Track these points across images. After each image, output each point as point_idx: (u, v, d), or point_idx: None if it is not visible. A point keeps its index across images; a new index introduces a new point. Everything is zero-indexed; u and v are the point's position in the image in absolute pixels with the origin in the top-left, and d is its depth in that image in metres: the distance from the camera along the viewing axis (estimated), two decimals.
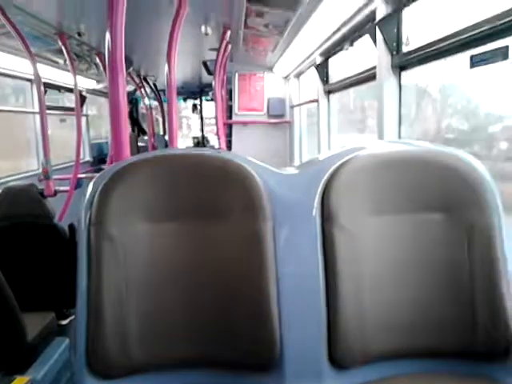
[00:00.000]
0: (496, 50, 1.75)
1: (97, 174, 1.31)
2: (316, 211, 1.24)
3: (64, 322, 2.25)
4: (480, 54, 1.86)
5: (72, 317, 1.23)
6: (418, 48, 2.42)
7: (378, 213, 1.24)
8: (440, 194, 1.25)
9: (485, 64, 1.84)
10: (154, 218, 1.23)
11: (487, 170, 1.28)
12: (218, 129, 5.65)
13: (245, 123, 6.86)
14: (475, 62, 1.89)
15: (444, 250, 1.24)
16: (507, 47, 1.70)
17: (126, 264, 1.19)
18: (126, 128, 1.89)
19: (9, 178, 4.59)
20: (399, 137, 2.76)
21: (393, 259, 1.24)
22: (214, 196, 1.24)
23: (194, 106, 11.29)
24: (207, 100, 10.74)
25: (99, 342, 1.17)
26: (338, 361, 1.19)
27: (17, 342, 1.80)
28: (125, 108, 1.90)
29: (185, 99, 11.11)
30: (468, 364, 1.22)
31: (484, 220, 1.22)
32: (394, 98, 2.74)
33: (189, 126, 12.55)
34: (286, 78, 6.84)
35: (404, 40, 2.68)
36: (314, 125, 5.45)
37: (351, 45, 3.68)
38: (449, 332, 1.22)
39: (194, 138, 11.47)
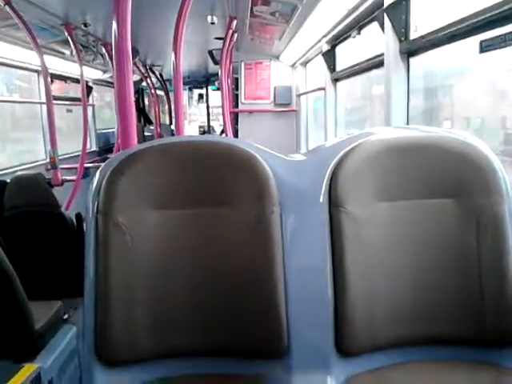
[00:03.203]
0: (506, 34, 1.73)
1: (103, 164, 1.31)
2: (323, 197, 1.23)
3: (71, 311, 2.26)
4: (490, 39, 1.84)
5: (79, 305, 1.23)
6: (427, 34, 2.39)
7: (386, 199, 1.23)
8: (449, 180, 1.24)
9: (494, 49, 1.81)
10: (161, 206, 1.23)
11: (496, 156, 1.27)
12: (224, 117, 5.64)
13: (251, 112, 6.84)
14: (485, 46, 1.86)
15: (453, 236, 1.23)
16: None
17: (133, 252, 1.20)
18: (133, 117, 1.89)
19: (17, 168, 4.62)
20: (407, 123, 2.74)
21: (401, 245, 1.23)
22: (221, 183, 1.24)
23: (200, 95, 11.30)
24: (213, 89, 10.73)
25: (107, 330, 1.17)
26: (344, 349, 1.19)
27: (25, 331, 1.82)
28: (131, 98, 1.90)
29: (190, 89, 11.11)
30: (476, 351, 1.22)
31: (493, 206, 1.21)
32: (402, 84, 2.72)
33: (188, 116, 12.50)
34: (293, 66, 6.79)
35: (412, 27, 2.65)
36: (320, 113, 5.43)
37: (359, 33, 3.64)
38: (457, 319, 1.21)
39: (200, 127, 11.48)
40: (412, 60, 2.70)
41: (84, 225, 2.59)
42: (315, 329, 1.20)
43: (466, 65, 2.46)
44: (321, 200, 1.23)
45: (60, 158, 4.66)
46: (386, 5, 2.71)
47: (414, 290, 1.22)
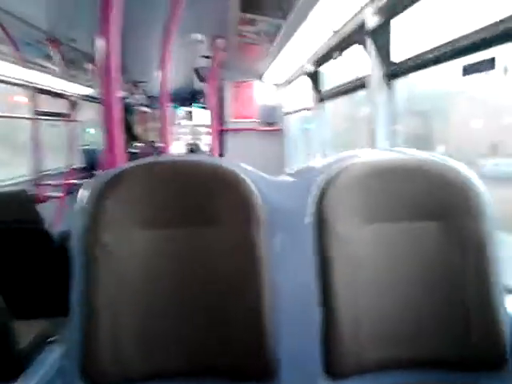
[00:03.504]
0: (484, 60, 1.79)
1: (89, 180, 1.30)
2: (310, 218, 1.24)
3: (58, 330, 2.23)
4: (471, 64, 1.90)
5: (66, 325, 1.22)
6: (409, 58, 2.45)
7: (372, 221, 1.25)
8: (433, 203, 1.25)
9: (476, 72, 1.88)
10: (146, 225, 1.23)
11: (479, 179, 1.29)
12: (212, 136, 5.64)
13: (237, 130, 6.87)
14: (467, 70, 1.93)
15: (438, 258, 1.24)
16: (493, 58, 1.74)
17: (119, 271, 1.19)
18: (120, 134, 1.89)
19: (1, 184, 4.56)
20: (391, 145, 2.78)
21: (387, 267, 1.24)
22: (207, 202, 1.24)
23: (189, 112, 11.32)
24: (198, 107, 10.75)
25: (93, 349, 1.16)
26: (333, 371, 1.18)
27: (8, 350, 1.78)
28: (118, 114, 1.90)
29: (176, 107, 11.12)
30: (463, 374, 1.22)
31: (477, 228, 1.23)
32: (387, 106, 2.76)
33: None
34: (278, 85, 6.86)
35: (395, 49, 2.71)
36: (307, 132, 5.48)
37: (340, 54, 3.71)
38: (443, 342, 1.22)
39: (187, 144, 11.47)
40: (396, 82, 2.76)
41: (69, 242, 2.55)
42: (303, 349, 1.20)
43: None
44: (307, 221, 1.24)
45: (46, 173, 4.63)
46: (368, 27, 2.77)
47: (400, 312, 1.23)
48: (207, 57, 5.06)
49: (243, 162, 1.33)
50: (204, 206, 1.25)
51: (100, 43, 1.83)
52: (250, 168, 1.31)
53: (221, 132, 6.91)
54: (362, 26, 2.89)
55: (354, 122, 4.33)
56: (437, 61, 2.18)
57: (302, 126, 6.17)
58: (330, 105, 4.70)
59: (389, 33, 2.70)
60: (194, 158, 1.35)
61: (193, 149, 10.96)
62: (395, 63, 2.63)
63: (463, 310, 1.21)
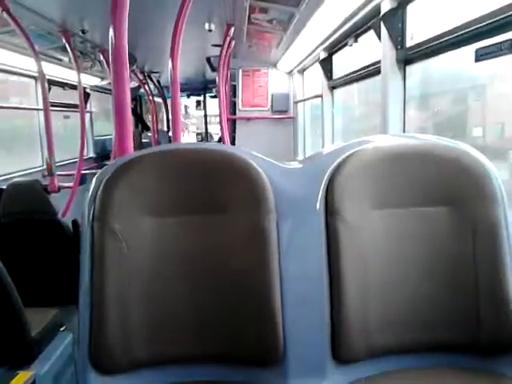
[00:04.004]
0: (501, 43, 1.74)
1: (100, 171, 1.30)
2: (320, 205, 1.23)
3: (68, 318, 2.25)
4: (485, 47, 1.85)
5: (76, 313, 1.23)
6: (423, 42, 2.41)
7: (383, 206, 1.24)
8: (445, 188, 1.24)
9: (490, 58, 1.83)
10: (157, 213, 1.23)
11: (491, 163, 1.27)
12: (221, 124, 5.65)
13: (248, 119, 6.86)
14: (480, 55, 1.87)
15: (449, 243, 1.23)
16: None
17: (129, 259, 1.19)
18: (130, 124, 1.89)
19: (14, 174, 4.61)
20: (403, 131, 2.75)
21: (397, 253, 1.23)
22: (217, 190, 1.24)
23: (198, 102, 11.33)
24: (211, 97, 10.76)
25: (102, 337, 1.17)
26: (341, 356, 1.19)
27: (20, 338, 1.81)
28: (128, 104, 1.90)
29: (188, 96, 11.14)
30: (473, 358, 1.22)
31: (489, 214, 1.22)
32: (399, 92, 2.73)
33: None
34: (290, 73, 6.82)
35: (408, 35, 2.67)
36: (317, 120, 5.44)
37: (356, 41, 3.66)
38: (453, 326, 1.21)
39: (197, 134, 11.50)
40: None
41: (80, 231, 2.57)
42: (311, 336, 1.20)
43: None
44: (317, 207, 1.23)
45: (58, 164, 4.67)
46: (382, 13, 2.73)
47: (410, 297, 1.22)
48: (219, 45, 5.03)
49: (254, 150, 1.32)
50: (214, 193, 1.24)
51: (111, 33, 1.82)
52: (260, 155, 1.30)
53: (232, 120, 6.91)
54: (376, 11, 2.85)
55: (369, 108, 4.19)
56: (457, 44, 2.13)
57: (314, 114, 6.12)
58: (343, 91, 4.65)
59: (404, 18, 2.66)
60: (203, 145, 1.34)
61: (203, 138, 10.99)
62: (410, 48, 2.59)
63: (474, 294, 1.20)
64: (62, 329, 2.17)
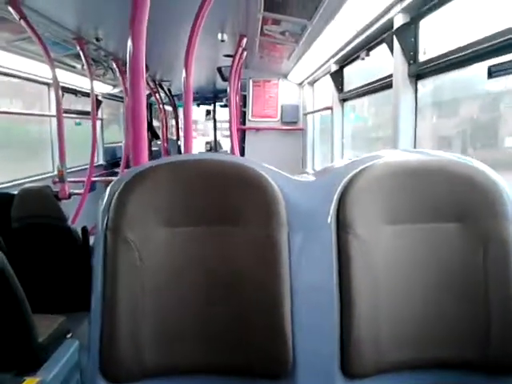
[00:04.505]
0: None
1: (111, 178, 1.31)
2: (331, 219, 1.23)
3: (75, 325, 2.26)
4: (497, 64, 1.85)
5: (83, 320, 1.23)
6: (435, 57, 2.41)
7: (394, 222, 1.23)
8: (456, 204, 1.24)
9: (503, 75, 1.82)
10: (170, 224, 1.24)
11: (503, 180, 1.27)
12: (231, 134, 5.67)
13: (258, 129, 6.88)
14: (493, 72, 1.87)
15: (459, 260, 1.22)
16: None
17: (141, 269, 1.20)
18: (145, 133, 1.91)
19: (25, 180, 4.65)
20: (414, 146, 2.75)
21: (408, 269, 1.23)
22: (229, 202, 1.24)
23: (208, 111, 11.38)
24: (221, 106, 10.81)
25: (113, 346, 1.17)
26: (350, 372, 1.18)
27: (27, 344, 1.81)
28: (144, 114, 1.91)
29: (198, 105, 11.19)
30: (482, 377, 1.20)
31: (500, 231, 1.21)
32: (410, 107, 2.73)
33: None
34: (300, 85, 6.85)
35: (421, 50, 2.67)
36: (327, 132, 5.44)
37: (367, 54, 3.67)
38: (463, 343, 1.20)
39: (206, 143, 11.54)
40: None
41: (90, 239, 2.59)
42: (320, 349, 1.19)
43: None
44: (329, 221, 1.23)
45: (69, 171, 4.70)
46: (395, 27, 2.74)
47: (420, 314, 1.22)
48: (230, 56, 5.07)
49: (263, 161, 1.32)
50: (226, 204, 1.25)
51: (129, 44, 1.84)
52: (271, 167, 1.31)
53: (242, 131, 6.93)
54: (389, 25, 2.86)
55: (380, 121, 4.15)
56: (470, 61, 2.13)
57: (323, 126, 6.13)
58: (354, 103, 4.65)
59: (417, 32, 2.66)
60: (216, 156, 1.35)
61: (212, 147, 11.02)
62: (422, 63, 2.59)
63: (484, 312, 1.19)
64: (68, 336, 2.17)
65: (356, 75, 4.26)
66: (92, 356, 1.19)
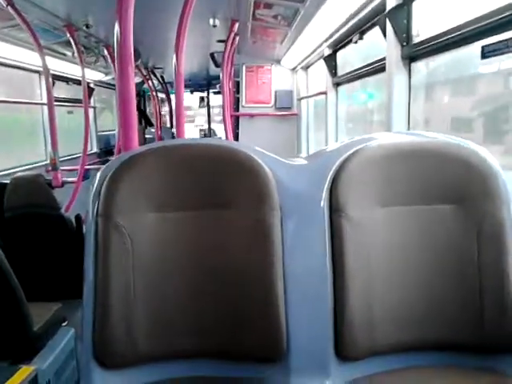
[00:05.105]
0: (508, 40, 1.72)
1: (104, 166, 1.30)
2: (324, 202, 1.23)
3: (70, 313, 2.25)
4: (491, 44, 1.83)
5: (78, 307, 1.23)
6: (429, 39, 2.39)
7: (387, 204, 1.23)
8: (450, 186, 1.24)
9: (497, 55, 1.81)
10: (161, 208, 1.23)
11: (497, 162, 1.26)
12: (224, 121, 5.65)
13: (252, 115, 6.85)
14: (487, 52, 1.85)
15: (453, 242, 1.23)
16: None
17: (133, 254, 1.19)
18: (135, 120, 1.89)
19: (17, 169, 4.62)
20: (408, 129, 2.74)
21: (401, 251, 1.23)
22: (221, 186, 1.24)
23: (201, 98, 11.31)
24: (215, 93, 10.75)
25: (106, 331, 1.17)
26: (344, 353, 1.19)
27: (23, 332, 1.81)
28: (133, 100, 1.89)
29: (192, 92, 11.12)
30: (476, 357, 1.21)
31: (494, 212, 1.21)
32: (404, 89, 2.72)
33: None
34: (294, 70, 6.80)
35: (414, 32, 2.65)
36: (321, 117, 5.42)
37: (361, 37, 3.64)
38: (457, 325, 1.21)
39: (200, 130, 11.48)
40: None
41: (84, 227, 2.59)
42: (314, 332, 1.20)
43: None
44: (321, 204, 1.23)
45: (62, 159, 4.68)
46: (387, 9, 2.72)
47: (414, 296, 1.22)
48: (223, 41, 5.02)
49: (258, 147, 1.31)
50: (218, 189, 1.24)
51: (116, 29, 1.81)
52: (264, 151, 1.30)
53: (235, 117, 6.89)
54: (382, 7, 2.83)
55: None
56: (463, 41, 2.11)
57: (317, 111, 6.10)
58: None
59: (410, 14, 2.64)
60: (207, 141, 1.34)
61: (206, 134, 10.97)
62: (416, 45, 2.57)
63: (477, 293, 1.20)
64: (64, 323, 2.17)
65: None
66: (86, 343, 1.18)
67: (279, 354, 1.18)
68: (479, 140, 2.25)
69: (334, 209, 1.21)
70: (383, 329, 1.19)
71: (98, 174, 1.26)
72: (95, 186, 1.24)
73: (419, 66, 2.67)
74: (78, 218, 2.66)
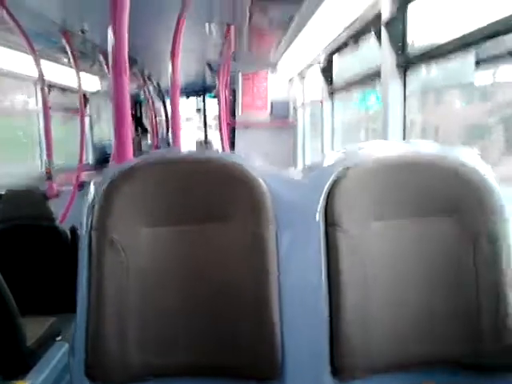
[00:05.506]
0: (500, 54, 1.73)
1: (99, 176, 1.29)
2: (320, 215, 1.21)
3: (65, 327, 2.23)
4: (485, 57, 1.84)
5: (72, 322, 1.21)
6: (424, 47, 2.40)
7: (383, 217, 1.22)
8: (445, 198, 1.22)
9: (491, 64, 1.82)
10: (155, 222, 1.22)
11: (492, 173, 1.25)
12: (220, 129, 5.63)
13: (248, 125, 6.84)
14: (481, 62, 1.87)
15: (449, 255, 1.21)
16: None
17: (127, 269, 1.18)
18: (129, 128, 1.88)
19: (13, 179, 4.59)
20: (403, 137, 2.74)
21: (397, 265, 1.21)
22: (217, 199, 1.23)
23: (198, 110, 11.30)
24: (211, 97, 10.71)
25: (98, 347, 1.15)
26: (340, 372, 1.16)
27: (16, 347, 1.78)
28: (128, 108, 1.88)
29: (187, 96, 11.08)
30: (472, 376, 1.19)
31: (490, 225, 1.20)
32: (399, 97, 2.72)
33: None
34: (290, 79, 6.82)
35: (409, 41, 2.66)
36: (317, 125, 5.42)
37: (356, 46, 3.65)
38: (454, 342, 1.19)
39: (197, 141, 11.39)
40: None
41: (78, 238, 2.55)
42: (310, 349, 1.18)
43: None
44: (317, 218, 1.22)
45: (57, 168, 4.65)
46: (383, 18, 2.72)
47: (410, 311, 1.20)
48: (219, 47, 5.03)
49: (253, 156, 1.30)
50: (213, 202, 1.23)
51: (110, 35, 1.80)
52: (260, 164, 1.29)
53: (231, 125, 6.89)
54: (377, 15, 2.84)
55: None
56: (457, 49, 2.11)
57: (313, 120, 6.11)
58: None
59: (405, 23, 2.65)
60: (203, 154, 1.33)
61: (202, 143, 10.93)
62: (411, 53, 2.58)
63: (474, 309, 1.18)
64: (58, 338, 2.15)
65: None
66: (78, 358, 1.17)
67: (274, 371, 1.16)
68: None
69: (330, 222, 1.20)
70: (379, 346, 1.17)
71: (92, 187, 1.25)
72: (90, 198, 1.23)
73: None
74: (72, 229, 2.63)
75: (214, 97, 9.24)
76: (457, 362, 1.20)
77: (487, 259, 1.18)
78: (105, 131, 8.17)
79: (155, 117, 10.03)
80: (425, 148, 1.33)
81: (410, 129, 2.73)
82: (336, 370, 1.16)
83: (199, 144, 11.17)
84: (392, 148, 1.35)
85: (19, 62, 4.78)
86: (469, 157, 1.27)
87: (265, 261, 1.18)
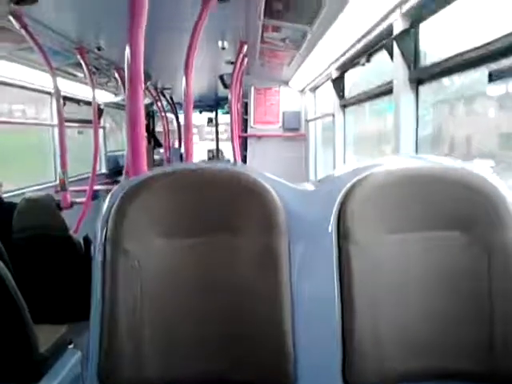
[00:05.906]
0: None
1: (112, 186, 1.31)
2: (332, 228, 1.22)
3: (77, 335, 2.24)
4: (499, 69, 1.84)
5: (85, 330, 1.22)
6: (436, 62, 2.41)
7: (395, 230, 1.22)
8: (458, 212, 1.22)
9: (504, 79, 1.82)
10: (169, 234, 1.23)
11: (506, 187, 1.25)
12: (233, 142, 5.68)
13: (260, 136, 6.88)
14: (494, 76, 1.86)
15: (462, 269, 1.20)
16: None
17: (141, 279, 1.19)
18: (143, 141, 1.90)
19: (27, 189, 4.65)
20: (416, 151, 2.74)
21: (410, 277, 1.21)
22: (230, 211, 1.24)
23: (210, 119, 11.41)
24: (223, 113, 10.83)
25: (112, 356, 1.16)
26: (352, 382, 1.16)
27: (29, 354, 1.80)
28: (142, 121, 1.91)
29: (201, 111, 11.22)
30: None
31: (504, 239, 1.19)
32: (411, 112, 2.72)
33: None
34: (302, 91, 6.86)
35: (422, 55, 2.67)
36: (329, 138, 5.43)
37: (368, 60, 3.67)
38: (466, 353, 1.18)
39: (208, 151, 11.53)
40: None
41: (92, 248, 2.57)
42: (322, 360, 1.18)
43: None
44: (329, 230, 1.22)
45: (71, 179, 4.71)
46: (395, 33, 2.74)
47: (423, 323, 1.20)
48: (232, 63, 5.08)
49: (265, 168, 1.31)
50: (226, 215, 1.24)
51: (127, 52, 1.84)
52: (272, 176, 1.30)
53: (243, 138, 6.93)
54: (389, 31, 2.86)
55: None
56: (470, 65, 2.12)
57: (325, 133, 6.12)
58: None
59: (417, 38, 2.66)
60: (216, 166, 1.34)
61: (214, 155, 11.02)
62: (423, 68, 2.59)
63: (488, 321, 1.17)
64: (70, 346, 2.16)
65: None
66: (91, 366, 1.18)
67: (287, 380, 1.16)
68: None
69: (342, 235, 1.21)
70: (391, 356, 1.17)
71: (107, 198, 1.27)
72: (104, 210, 1.25)
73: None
74: (86, 239, 2.66)
75: (227, 112, 9.33)
76: (470, 374, 1.18)
77: (501, 273, 1.18)
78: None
79: (168, 130, 10.12)
80: (436, 162, 1.33)
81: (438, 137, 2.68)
82: (348, 380, 1.16)
83: (211, 154, 11.26)
84: (405, 162, 1.35)
85: (35, 75, 4.88)
86: (482, 170, 1.27)
87: (277, 272, 1.19)
